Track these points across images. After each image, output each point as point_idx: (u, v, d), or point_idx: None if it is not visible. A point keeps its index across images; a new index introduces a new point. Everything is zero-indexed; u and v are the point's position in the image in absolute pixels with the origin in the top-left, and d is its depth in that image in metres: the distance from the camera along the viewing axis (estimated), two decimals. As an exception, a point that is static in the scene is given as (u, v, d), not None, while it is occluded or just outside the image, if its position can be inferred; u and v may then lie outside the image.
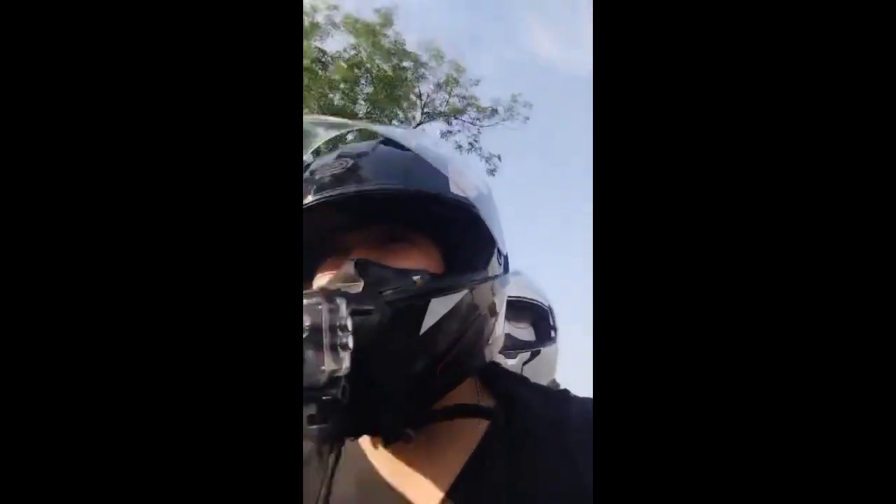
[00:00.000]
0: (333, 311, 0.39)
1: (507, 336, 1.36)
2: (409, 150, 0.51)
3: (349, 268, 0.46)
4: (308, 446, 0.52)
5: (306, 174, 0.51)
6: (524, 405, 0.52)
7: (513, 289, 1.40)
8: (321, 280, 0.49)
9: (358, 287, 0.44)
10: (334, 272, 0.47)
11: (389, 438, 0.46)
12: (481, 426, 0.50)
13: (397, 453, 0.49)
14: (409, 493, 0.47)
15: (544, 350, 1.40)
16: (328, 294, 0.41)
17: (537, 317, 1.43)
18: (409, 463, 0.48)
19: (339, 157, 0.50)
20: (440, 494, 0.46)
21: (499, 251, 0.52)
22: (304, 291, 0.42)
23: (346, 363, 0.38)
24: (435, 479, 0.47)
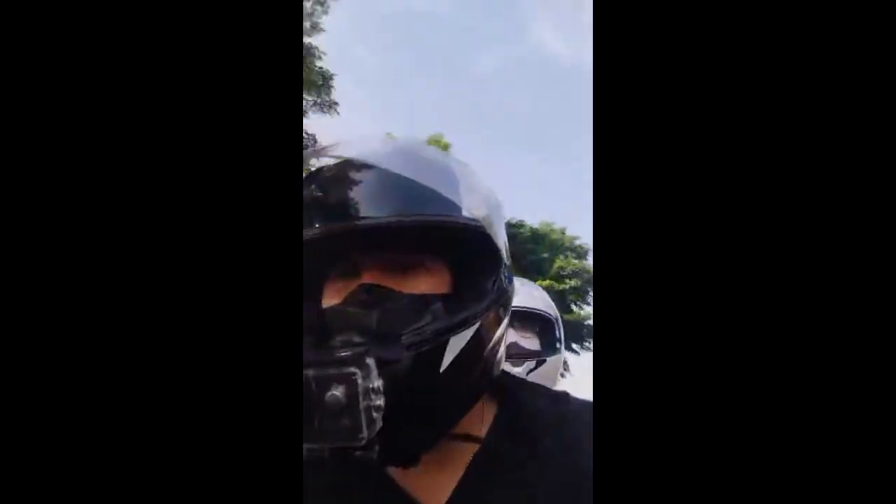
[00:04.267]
0: (366, 376, 0.40)
1: (514, 345, 1.39)
2: (409, 179, 0.49)
3: (361, 293, 0.47)
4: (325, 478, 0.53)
5: (312, 185, 0.51)
6: (522, 405, 0.55)
7: (521, 298, 1.44)
8: (331, 299, 0.49)
9: (371, 319, 0.45)
10: (345, 293, 0.48)
11: (408, 464, 0.49)
12: (488, 420, 0.53)
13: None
14: (417, 491, 0.50)
15: (549, 362, 1.43)
16: (355, 357, 0.41)
17: (543, 327, 1.46)
18: (422, 471, 0.49)
19: (345, 182, 0.50)
20: (447, 493, 0.50)
21: (504, 264, 0.53)
22: (337, 356, 0.42)
23: (379, 424, 0.40)
24: (443, 480, 0.50)
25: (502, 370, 0.56)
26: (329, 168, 0.53)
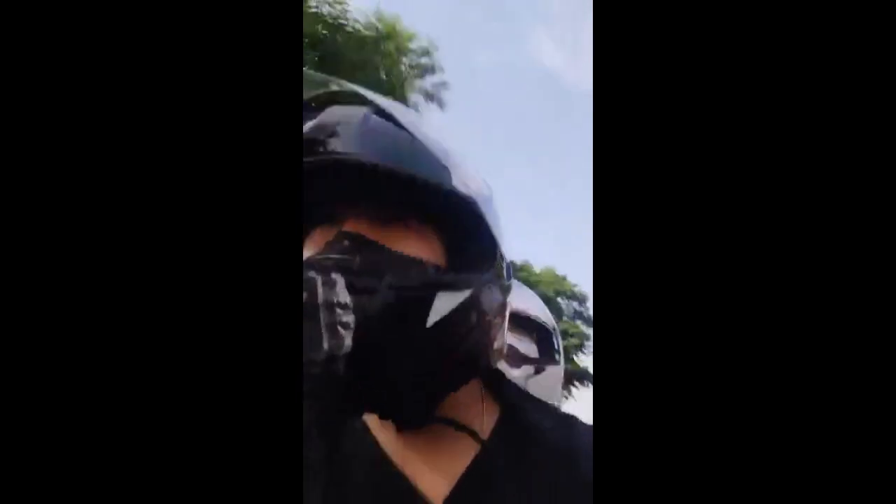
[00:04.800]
0: (329, 285, 0.37)
1: (511, 347, 1.35)
2: (404, 128, 0.46)
3: (343, 240, 0.42)
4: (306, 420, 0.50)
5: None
6: (531, 424, 0.50)
7: (518, 301, 1.42)
8: (309, 250, 0.44)
9: (353, 263, 0.41)
10: (324, 243, 0.43)
11: (404, 425, 0.46)
12: (489, 423, 0.50)
13: (408, 442, 0.48)
14: (420, 482, 0.46)
15: (549, 371, 1.39)
16: (322, 267, 0.39)
17: (541, 335, 1.42)
18: (421, 451, 0.48)
19: (329, 117, 0.45)
20: (450, 484, 0.46)
21: (502, 255, 0.50)
22: (304, 258, 0.40)
23: (347, 342, 0.37)
24: (444, 471, 0.47)
25: (504, 375, 0.54)
26: (318, 102, 0.48)
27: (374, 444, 0.49)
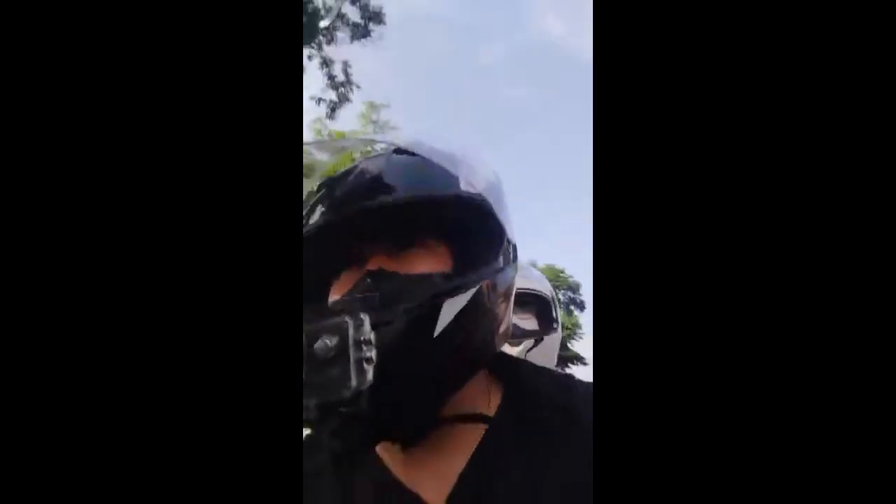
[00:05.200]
0: (359, 326, 0.40)
1: (513, 326, 1.42)
2: (418, 155, 0.52)
3: (365, 280, 0.47)
4: (322, 458, 0.53)
5: (322, 193, 0.52)
6: (531, 390, 0.54)
7: (518, 281, 1.47)
8: (336, 294, 0.50)
9: (374, 300, 0.45)
10: (352, 284, 0.48)
11: (408, 441, 0.49)
12: (494, 402, 0.53)
13: (407, 449, 0.50)
14: (422, 489, 0.49)
15: (547, 340, 1.47)
16: (351, 309, 0.42)
17: (540, 307, 1.50)
18: (420, 458, 0.50)
19: (357, 173, 0.52)
20: (451, 483, 0.48)
21: (508, 241, 0.53)
22: (331, 302, 0.43)
23: (369, 376, 0.40)
24: (448, 470, 0.49)
25: (505, 354, 0.57)
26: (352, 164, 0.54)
27: (382, 465, 0.52)
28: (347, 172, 0.53)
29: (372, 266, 0.49)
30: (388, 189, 0.49)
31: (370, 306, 0.44)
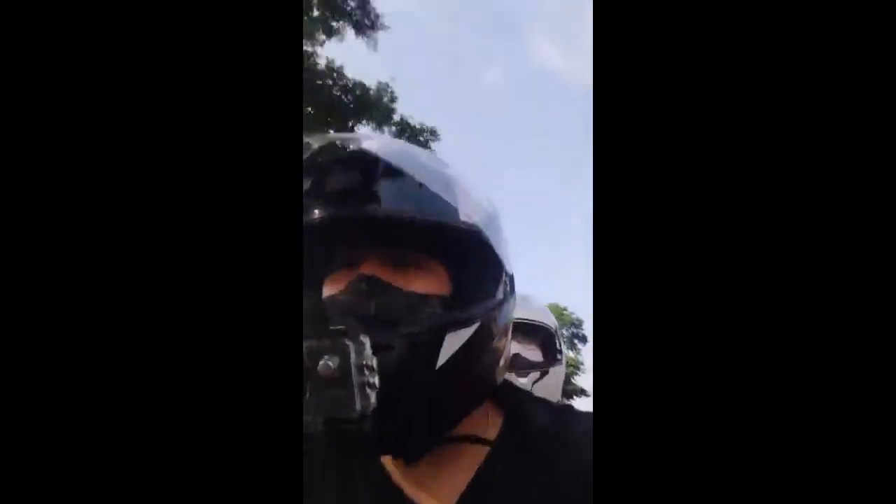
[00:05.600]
0: (360, 350, 0.40)
1: (518, 356, 1.42)
2: (411, 175, 0.50)
3: (360, 282, 0.47)
4: (323, 462, 0.53)
5: (313, 177, 0.50)
6: (530, 419, 0.54)
7: (521, 312, 1.49)
8: (330, 289, 0.50)
9: (369, 307, 0.45)
10: (344, 284, 0.48)
11: (411, 460, 0.49)
12: (493, 429, 0.53)
13: (415, 469, 0.51)
14: (422, 500, 0.49)
15: (552, 372, 1.47)
16: (351, 331, 0.42)
17: (544, 338, 1.51)
18: (423, 472, 0.51)
19: (349, 167, 0.50)
20: (451, 500, 0.49)
21: (506, 272, 0.54)
22: (332, 329, 0.42)
23: (372, 400, 0.40)
24: (447, 488, 0.50)
25: (508, 382, 0.58)
26: (337, 151, 0.53)
27: (384, 475, 0.52)
28: (331, 164, 0.50)
29: (366, 270, 0.48)
30: (386, 201, 0.48)
31: (366, 316, 0.44)
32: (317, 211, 0.47)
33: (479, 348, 0.48)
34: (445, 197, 0.50)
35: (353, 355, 0.40)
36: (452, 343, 0.45)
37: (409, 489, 0.51)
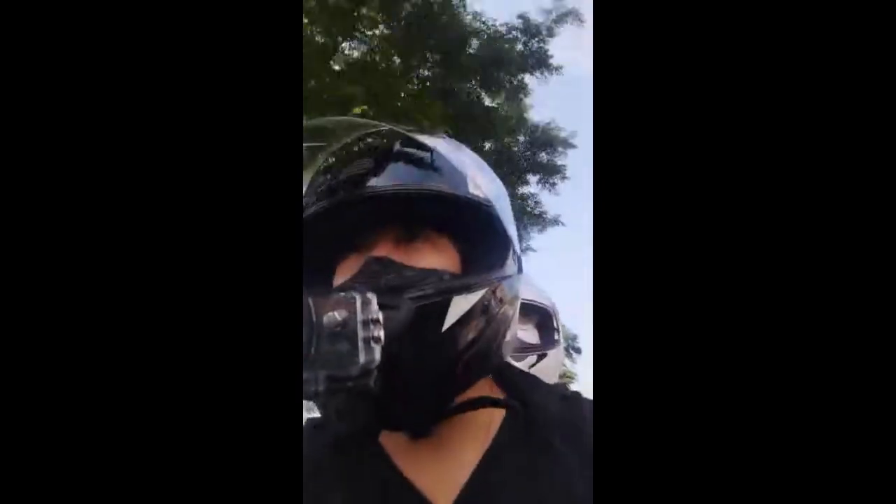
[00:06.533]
0: (366, 304, 0.40)
1: (514, 338, 1.41)
2: (429, 149, 0.52)
3: (372, 264, 0.47)
4: (325, 442, 0.53)
5: (326, 176, 0.52)
6: (537, 404, 0.53)
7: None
8: (342, 276, 0.50)
9: (380, 284, 0.45)
10: (357, 269, 0.48)
11: (416, 433, 0.49)
12: (495, 422, 0.52)
13: (415, 448, 0.50)
14: (427, 489, 0.48)
15: (550, 356, 1.45)
16: (360, 286, 0.42)
17: (541, 319, 1.49)
18: (427, 458, 0.50)
19: (360, 158, 0.52)
20: (457, 489, 0.48)
21: (514, 251, 0.54)
22: (336, 286, 0.44)
23: (377, 355, 0.40)
24: (452, 473, 0.49)
25: (508, 364, 0.57)
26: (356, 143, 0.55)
27: (385, 456, 0.51)
28: (352, 154, 0.54)
29: (378, 253, 0.48)
30: (392, 179, 0.50)
31: (376, 289, 0.44)
32: (325, 200, 0.48)
33: (485, 316, 0.48)
34: (455, 165, 0.50)
35: (359, 308, 0.40)
36: (458, 307, 0.45)
37: (413, 473, 0.49)
